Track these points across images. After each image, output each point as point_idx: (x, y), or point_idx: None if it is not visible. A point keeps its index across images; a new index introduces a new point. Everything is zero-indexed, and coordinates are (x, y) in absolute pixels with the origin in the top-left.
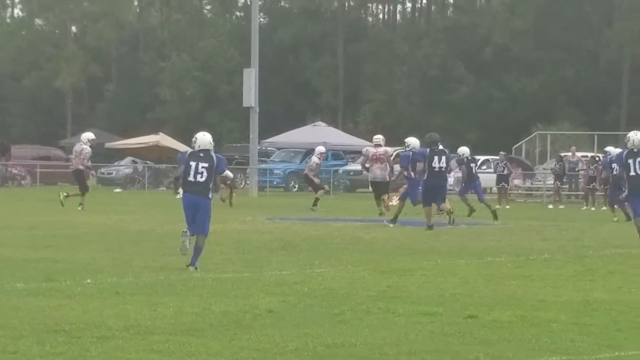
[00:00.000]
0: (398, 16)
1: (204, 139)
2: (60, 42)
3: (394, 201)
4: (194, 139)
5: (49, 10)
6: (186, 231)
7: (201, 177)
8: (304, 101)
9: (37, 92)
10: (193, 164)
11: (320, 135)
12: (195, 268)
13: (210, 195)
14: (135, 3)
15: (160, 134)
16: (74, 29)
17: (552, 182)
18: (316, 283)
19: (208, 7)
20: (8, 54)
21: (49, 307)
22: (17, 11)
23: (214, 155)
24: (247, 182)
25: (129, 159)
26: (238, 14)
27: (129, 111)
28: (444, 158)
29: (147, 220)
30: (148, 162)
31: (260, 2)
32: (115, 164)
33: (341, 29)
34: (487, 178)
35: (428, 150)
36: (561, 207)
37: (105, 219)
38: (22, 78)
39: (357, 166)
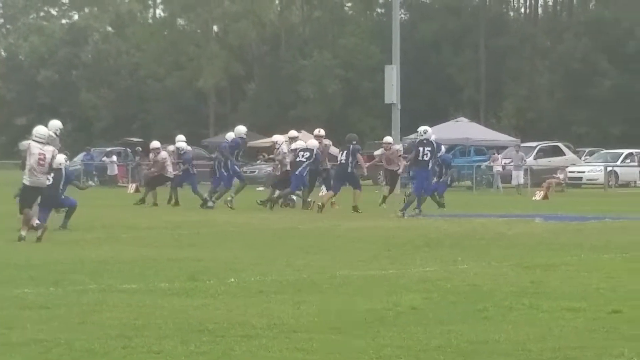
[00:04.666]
0: (540, 10)
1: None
2: (201, 42)
3: None
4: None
5: (191, 10)
6: None
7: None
8: (445, 97)
9: (179, 92)
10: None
11: (462, 131)
12: None
13: None
14: (277, 1)
15: (302, 131)
16: (215, 28)
17: None
18: (459, 279)
19: (349, 4)
20: (150, 55)
21: (192, 306)
22: (159, 11)
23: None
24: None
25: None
26: (379, 10)
27: (271, 110)
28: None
29: (289, 218)
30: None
31: None
32: (258, 162)
33: (482, 24)
34: (631, 172)
35: None
36: None
37: (248, 218)
38: (164, 78)
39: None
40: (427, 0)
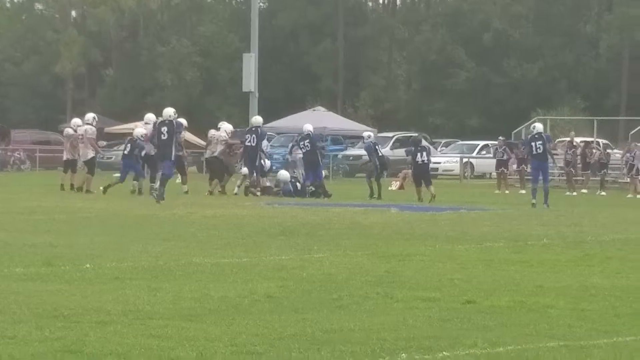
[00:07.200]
0: (398, 1)
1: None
2: (60, 27)
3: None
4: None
5: None
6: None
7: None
8: (303, 86)
9: (37, 77)
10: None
11: (319, 120)
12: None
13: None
14: None
15: (160, 118)
16: (73, 13)
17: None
18: (315, 268)
19: None
20: (8, 39)
21: (47, 291)
22: None
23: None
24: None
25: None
26: None
27: (129, 96)
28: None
29: (147, 205)
30: None
31: None
32: (115, 148)
33: (341, 13)
34: (487, 163)
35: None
36: (574, 193)
37: (105, 204)
38: (22, 63)
39: (356, 151)
40: None
